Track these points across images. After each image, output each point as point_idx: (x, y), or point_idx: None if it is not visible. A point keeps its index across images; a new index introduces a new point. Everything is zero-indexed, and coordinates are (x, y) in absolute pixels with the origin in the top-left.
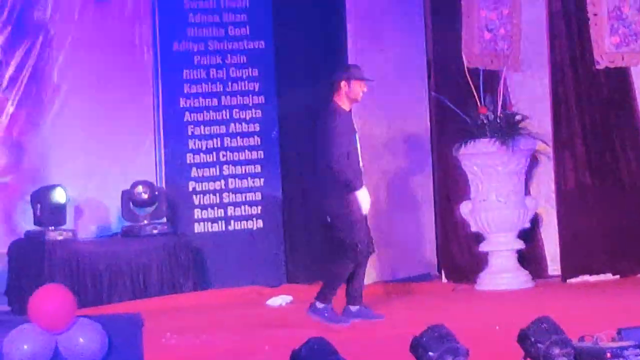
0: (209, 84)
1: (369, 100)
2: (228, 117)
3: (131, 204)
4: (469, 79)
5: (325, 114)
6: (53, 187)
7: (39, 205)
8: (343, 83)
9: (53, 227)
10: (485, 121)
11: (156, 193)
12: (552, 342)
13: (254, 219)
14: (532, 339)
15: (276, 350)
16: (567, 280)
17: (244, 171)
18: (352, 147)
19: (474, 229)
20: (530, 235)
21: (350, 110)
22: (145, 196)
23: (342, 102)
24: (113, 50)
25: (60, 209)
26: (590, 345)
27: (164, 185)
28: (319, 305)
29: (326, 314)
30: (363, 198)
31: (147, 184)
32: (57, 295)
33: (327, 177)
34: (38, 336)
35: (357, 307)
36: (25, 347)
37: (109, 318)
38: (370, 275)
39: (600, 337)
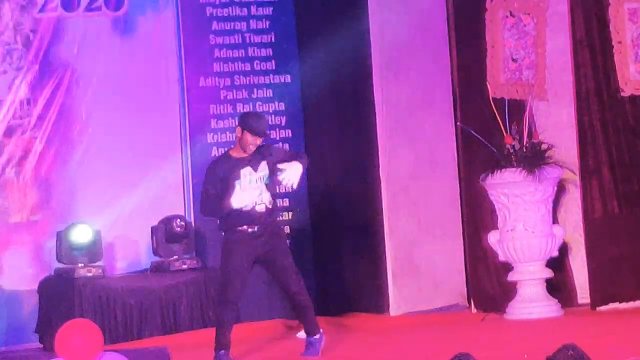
0: (236, 118)
1: (396, 131)
2: None
3: (165, 238)
4: (494, 108)
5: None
6: (78, 224)
7: (65, 243)
8: (238, 129)
9: (82, 264)
10: (511, 150)
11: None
12: None
13: None
14: None
15: None
16: (597, 308)
17: None
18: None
19: (502, 258)
20: (559, 263)
21: (243, 158)
22: (181, 230)
23: (236, 148)
24: (140, 87)
25: (86, 246)
26: None
27: (192, 220)
28: (215, 355)
29: None
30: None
31: (182, 217)
32: (83, 329)
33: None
34: None
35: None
36: None
37: (136, 352)
38: (400, 306)
39: None
